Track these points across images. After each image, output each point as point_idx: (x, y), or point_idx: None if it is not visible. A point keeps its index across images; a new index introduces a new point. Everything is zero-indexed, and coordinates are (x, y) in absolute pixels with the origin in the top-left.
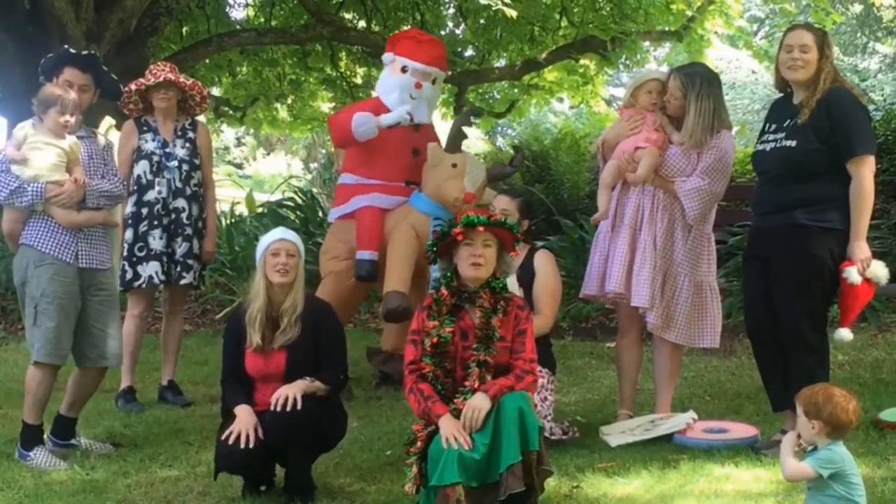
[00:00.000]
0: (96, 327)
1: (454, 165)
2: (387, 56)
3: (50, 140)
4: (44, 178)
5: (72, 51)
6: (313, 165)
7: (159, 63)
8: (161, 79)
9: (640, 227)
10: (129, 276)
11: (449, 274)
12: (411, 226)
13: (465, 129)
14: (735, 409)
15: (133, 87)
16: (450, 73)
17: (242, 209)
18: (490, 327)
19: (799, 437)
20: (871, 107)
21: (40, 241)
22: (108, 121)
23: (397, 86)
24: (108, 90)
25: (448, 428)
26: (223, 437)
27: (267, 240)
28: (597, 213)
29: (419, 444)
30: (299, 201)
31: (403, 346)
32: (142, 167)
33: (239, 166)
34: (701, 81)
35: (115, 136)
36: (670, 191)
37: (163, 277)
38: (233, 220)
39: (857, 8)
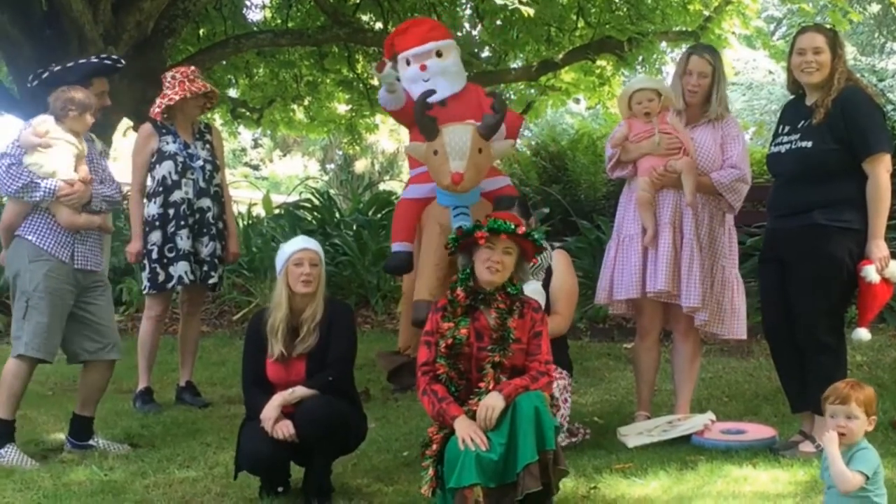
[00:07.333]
0: (95, 321)
1: (435, 153)
2: (391, 62)
3: (69, 138)
4: (59, 175)
5: (106, 62)
6: (330, 167)
7: (187, 68)
8: (208, 90)
9: (681, 225)
10: (161, 277)
11: (468, 272)
12: (437, 223)
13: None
14: (753, 410)
15: (177, 97)
16: (467, 73)
17: (259, 210)
18: (506, 328)
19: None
20: (889, 107)
21: (40, 237)
22: (124, 122)
23: (408, 79)
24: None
25: (464, 429)
26: (259, 427)
27: (289, 249)
28: (647, 236)
29: (434, 446)
30: (316, 202)
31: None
32: (166, 168)
33: (255, 168)
34: (718, 53)
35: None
36: (707, 186)
37: (192, 277)
38: (250, 222)
39: (875, 8)
